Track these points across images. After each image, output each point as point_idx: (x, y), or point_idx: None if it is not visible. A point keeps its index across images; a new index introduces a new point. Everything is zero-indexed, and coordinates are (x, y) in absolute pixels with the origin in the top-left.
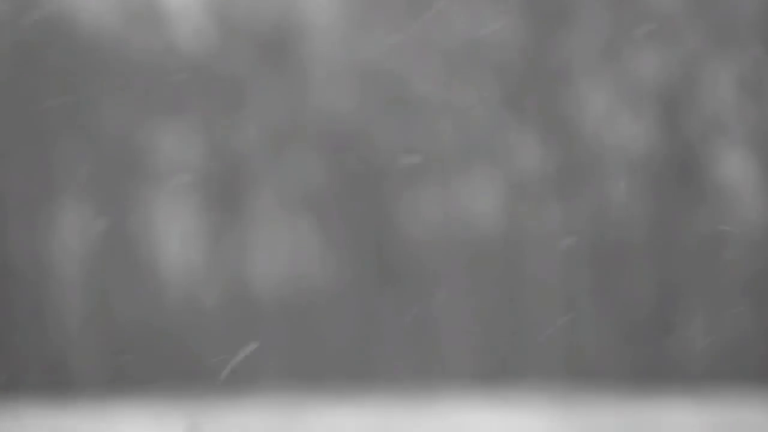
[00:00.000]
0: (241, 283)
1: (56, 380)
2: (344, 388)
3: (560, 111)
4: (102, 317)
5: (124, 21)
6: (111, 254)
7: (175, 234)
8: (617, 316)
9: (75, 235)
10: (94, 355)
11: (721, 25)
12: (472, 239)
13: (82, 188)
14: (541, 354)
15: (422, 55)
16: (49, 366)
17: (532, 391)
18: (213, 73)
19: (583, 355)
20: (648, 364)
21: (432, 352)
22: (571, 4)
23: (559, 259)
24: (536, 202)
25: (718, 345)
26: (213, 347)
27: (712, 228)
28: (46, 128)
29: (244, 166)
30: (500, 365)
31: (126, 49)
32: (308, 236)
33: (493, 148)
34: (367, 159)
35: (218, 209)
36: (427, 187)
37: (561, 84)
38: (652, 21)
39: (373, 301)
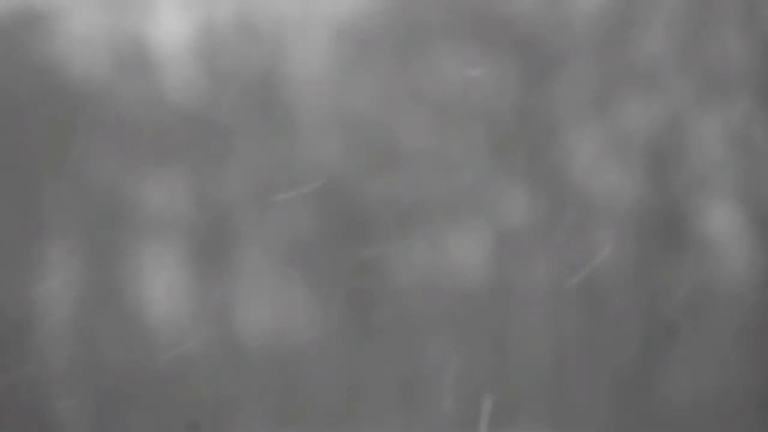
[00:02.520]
0: (228, 333)
1: (40, 427)
2: None
3: (549, 162)
4: (87, 365)
5: (113, 69)
6: (97, 302)
7: (161, 283)
8: (604, 367)
9: (61, 282)
10: (79, 403)
11: (710, 78)
12: (459, 290)
13: (69, 236)
14: (528, 404)
15: (411, 105)
16: (33, 413)
17: None
18: (201, 123)
19: (570, 406)
20: (634, 415)
21: (419, 403)
22: (561, 56)
23: (546, 309)
24: (524, 253)
25: (705, 397)
26: (199, 396)
27: (698, 281)
28: (33, 176)
29: (231, 216)
30: (486, 419)
31: (114, 98)
32: (295, 287)
33: (481, 199)
34: (354, 209)
35: (205, 259)
36: (415, 237)
37: (550, 135)
38: (641, 73)
39: (359, 353)
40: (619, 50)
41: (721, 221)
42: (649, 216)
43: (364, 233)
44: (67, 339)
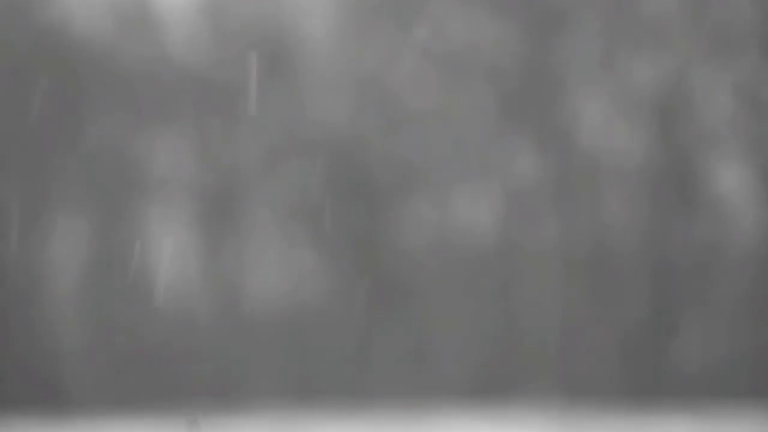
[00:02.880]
0: (236, 296)
1: (49, 395)
2: (339, 403)
3: (557, 121)
4: (95, 330)
5: (117, 29)
6: (104, 266)
7: (169, 246)
8: (613, 329)
9: (68, 247)
10: (88, 370)
11: (718, 35)
12: (467, 250)
13: (76, 200)
14: (536, 368)
15: (418, 66)
16: (43, 381)
17: (528, 407)
18: (206, 82)
19: (579, 370)
20: (644, 379)
21: (427, 366)
22: (567, 14)
23: (555, 270)
24: (532, 213)
25: (715, 359)
26: (207, 361)
27: (708, 238)
28: (38, 139)
29: (238, 177)
30: (496, 380)
31: (119, 58)
32: (303, 249)
33: (489, 159)
34: (362, 170)
35: (212, 221)
36: (423, 198)
37: (557, 94)
38: (648, 30)
39: (368, 315)
40: (626, 7)
41: (730, 178)
42: (658, 174)
43: (372, 194)
44: (74, 305)
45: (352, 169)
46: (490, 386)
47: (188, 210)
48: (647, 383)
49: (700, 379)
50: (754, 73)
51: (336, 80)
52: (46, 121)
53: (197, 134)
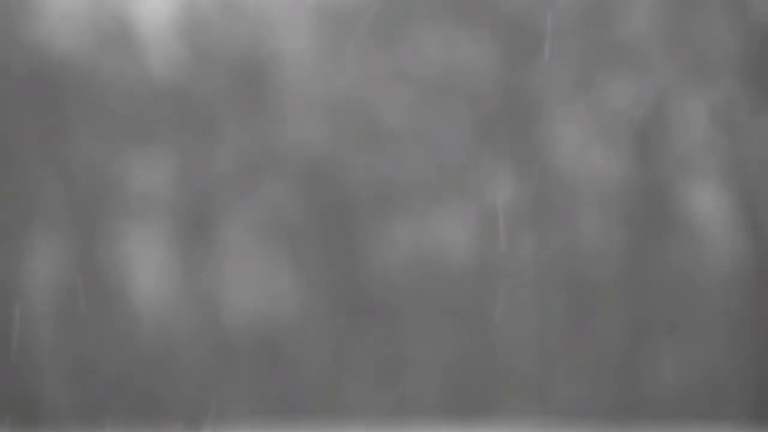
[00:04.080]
0: (213, 314)
1: (25, 412)
2: (315, 421)
3: (533, 142)
4: (72, 348)
5: (97, 47)
6: (82, 284)
7: (147, 264)
8: (590, 351)
9: (45, 264)
10: (65, 387)
11: (696, 58)
12: (444, 270)
13: (53, 217)
14: (513, 388)
15: (395, 86)
16: (18, 398)
17: (504, 426)
18: (185, 101)
19: (556, 390)
20: (620, 401)
21: (404, 386)
22: (545, 37)
23: (531, 290)
24: (509, 234)
25: (691, 381)
26: (185, 379)
27: (683, 261)
28: (17, 156)
29: (215, 195)
30: (472, 399)
31: (98, 76)
32: (280, 267)
33: (466, 179)
34: (339, 189)
35: (190, 239)
36: (400, 218)
37: (535, 116)
38: (625, 54)
39: (345, 333)
40: (604, 30)
41: (706, 202)
42: (634, 197)
43: (349, 213)
44: (51, 323)
45: (330, 188)
46: (467, 405)
47: (166, 228)
48: (623, 404)
49: (677, 401)
50: (731, 97)
51: (315, 100)
52: (25, 138)
53: (176, 153)
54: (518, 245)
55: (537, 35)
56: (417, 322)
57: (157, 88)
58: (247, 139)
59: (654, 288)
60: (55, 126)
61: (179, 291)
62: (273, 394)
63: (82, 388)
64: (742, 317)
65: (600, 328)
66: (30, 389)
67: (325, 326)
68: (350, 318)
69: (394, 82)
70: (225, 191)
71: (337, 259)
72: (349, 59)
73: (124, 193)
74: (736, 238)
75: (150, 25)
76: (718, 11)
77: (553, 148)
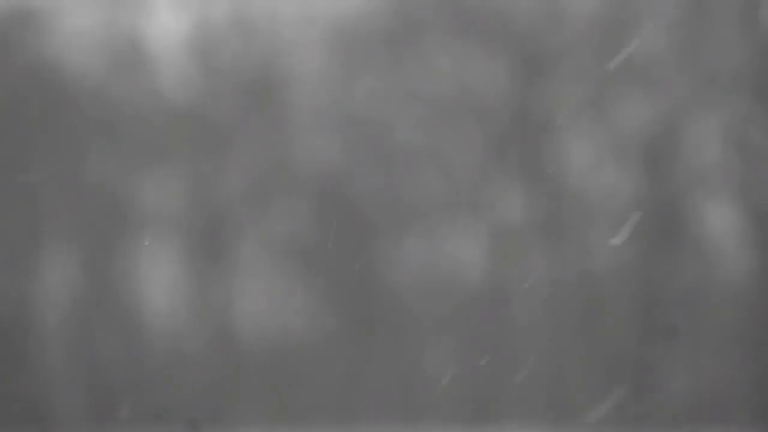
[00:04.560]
0: (225, 330)
1: (37, 424)
2: None
3: (545, 160)
4: (85, 365)
5: (108, 65)
6: (94, 302)
7: (158, 282)
8: (600, 367)
9: (58, 282)
10: (77, 404)
11: (708, 77)
12: (456, 288)
13: (65, 235)
14: (525, 403)
15: (407, 104)
16: (31, 414)
17: None
18: (197, 120)
19: (567, 405)
20: (631, 415)
21: (415, 400)
22: (557, 54)
23: (543, 308)
24: (520, 252)
25: (701, 396)
26: (197, 394)
27: (695, 280)
28: (28, 175)
29: (228, 213)
30: (484, 412)
31: (109, 94)
32: (292, 284)
33: (478, 197)
34: (351, 207)
35: (202, 257)
36: (411, 235)
37: (546, 134)
38: (637, 71)
39: (356, 350)
40: (616, 48)
41: (719, 221)
42: (646, 216)
43: (361, 231)
44: (64, 339)
45: (342, 206)
46: (478, 421)
47: (178, 246)
48: (634, 418)
49: (687, 415)
50: (743, 115)
51: (327, 118)
52: (37, 155)
53: (188, 171)
54: (530, 263)
55: (549, 53)
56: (428, 339)
57: (169, 107)
58: (259, 157)
59: (666, 305)
60: (66, 144)
61: (191, 307)
62: (284, 409)
63: (93, 401)
64: (754, 334)
65: (612, 345)
66: (42, 402)
67: (336, 342)
68: (361, 334)
69: (406, 101)
70: (237, 209)
71: (349, 276)
72: (361, 78)
73: (136, 211)
74: (749, 255)
75: (162, 43)
76: (731, 29)
77: (565, 166)
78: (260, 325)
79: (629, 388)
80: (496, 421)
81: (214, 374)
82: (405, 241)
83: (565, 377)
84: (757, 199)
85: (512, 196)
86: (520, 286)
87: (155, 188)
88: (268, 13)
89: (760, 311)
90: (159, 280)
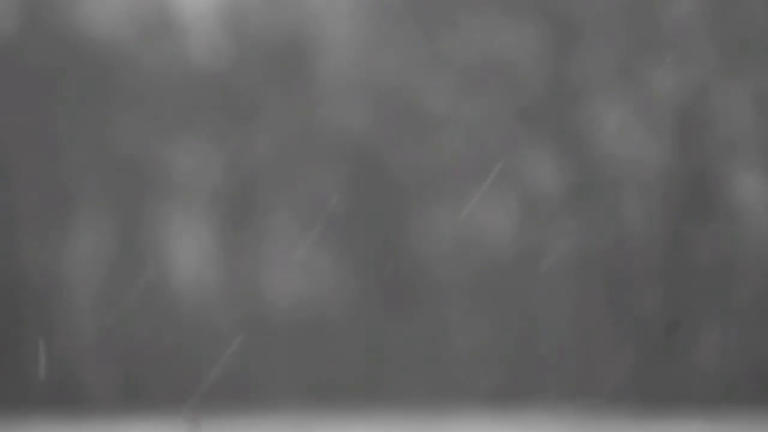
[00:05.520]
0: (254, 299)
1: (67, 396)
2: (356, 406)
3: (576, 129)
4: (114, 333)
5: (138, 35)
6: (124, 270)
7: (188, 249)
8: (631, 336)
9: (88, 250)
10: (106, 371)
11: (738, 45)
12: (485, 257)
13: (96, 203)
14: (552, 373)
15: (437, 71)
16: (61, 381)
17: (544, 411)
18: (227, 88)
19: (597, 376)
20: (660, 385)
21: (444, 370)
22: (586, 23)
23: (572, 277)
24: (549, 220)
25: (731, 366)
26: (225, 364)
27: (726, 247)
28: (60, 143)
29: (257, 181)
30: (512, 384)
31: (139, 64)
32: (321, 253)
33: (508, 166)
34: (380, 175)
35: (232, 225)
36: (440, 203)
37: (576, 102)
38: (668, 40)
39: (385, 319)
40: (646, 17)
41: (749, 187)
42: (677, 183)
43: (390, 199)
44: (92, 307)
45: (371, 174)
46: (507, 391)
47: (208, 214)
48: (665, 389)
49: (717, 386)
50: None
51: (356, 86)
52: (68, 125)
53: (218, 139)
54: (559, 231)
55: (579, 22)
56: (457, 308)
57: (199, 75)
58: (288, 125)
59: (697, 272)
60: (95, 112)
61: (221, 276)
62: (314, 379)
63: (120, 371)
64: None
65: (642, 314)
66: (72, 373)
67: (366, 311)
68: (391, 302)
69: (435, 69)
70: (266, 177)
71: (379, 244)
72: (391, 46)
73: (167, 178)
74: None
75: (192, 12)
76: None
77: (596, 134)
78: (289, 291)
79: (658, 361)
80: (525, 392)
81: (244, 342)
82: (434, 208)
83: (595, 351)
84: None
85: (543, 164)
86: (550, 255)
87: (185, 154)
88: None
89: None
90: (188, 245)
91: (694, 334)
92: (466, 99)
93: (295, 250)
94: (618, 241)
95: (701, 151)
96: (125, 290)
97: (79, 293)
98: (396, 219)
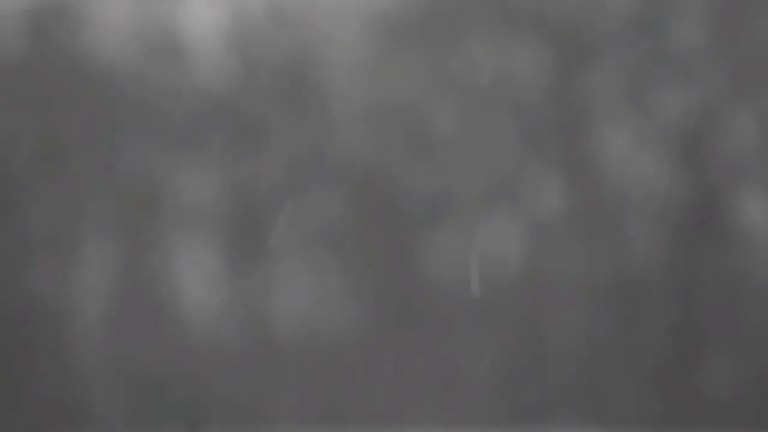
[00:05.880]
0: (262, 323)
1: (75, 421)
2: (363, 430)
3: (583, 152)
4: (121, 357)
5: (144, 57)
6: (131, 293)
7: (195, 273)
8: (639, 359)
9: (95, 274)
10: (114, 396)
11: (744, 67)
12: (493, 280)
13: (103, 227)
14: (562, 398)
15: (444, 94)
16: (69, 407)
17: None
18: (234, 111)
19: (607, 400)
20: (671, 409)
21: (452, 395)
22: (594, 45)
23: (580, 301)
24: (558, 244)
25: (742, 390)
26: (233, 388)
27: (733, 272)
28: (66, 166)
29: (264, 205)
30: (521, 410)
31: (145, 86)
32: (329, 276)
33: (515, 189)
34: (387, 198)
35: (239, 249)
36: (449, 227)
37: (584, 125)
38: (675, 62)
39: (393, 342)
40: (653, 39)
41: (757, 211)
42: (684, 206)
43: (397, 222)
44: (101, 331)
45: (379, 197)
46: (517, 415)
47: (214, 237)
48: (674, 412)
49: (728, 409)
50: None
51: (363, 108)
52: (74, 147)
53: (224, 162)
54: (568, 255)
55: (587, 44)
56: (466, 331)
57: (206, 98)
58: (295, 147)
59: (704, 296)
60: (103, 135)
61: (227, 299)
62: (321, 402)
63: (129, 395)
64: None
65: (649, 337)
66: (80, 398)
67: (373, 335)
68: (398, 326)
69: (443, 91)
70: (273, 200)
71: (386, 268)
72: (398, 68)
73: (173, 202)
74: None
75: (198, 34)
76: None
77: (603, 157)
78: (296, 315)
79: (667, 385)
80: (536, 416)
81: (250, 366)
82: (441, 232)
83: (603, 375)
84: None
85: (551, 187)
86: (557, 279)
87: (191, 178)
88: (303, 2)
89: None
90: (194, 269)
91: (703, 360)
92: (474, 121)
93: (303, 274)
94: (626, 265)
95: (709, 173)
96: (133, 314)
97: (86, 317)
98: (403, 241)
